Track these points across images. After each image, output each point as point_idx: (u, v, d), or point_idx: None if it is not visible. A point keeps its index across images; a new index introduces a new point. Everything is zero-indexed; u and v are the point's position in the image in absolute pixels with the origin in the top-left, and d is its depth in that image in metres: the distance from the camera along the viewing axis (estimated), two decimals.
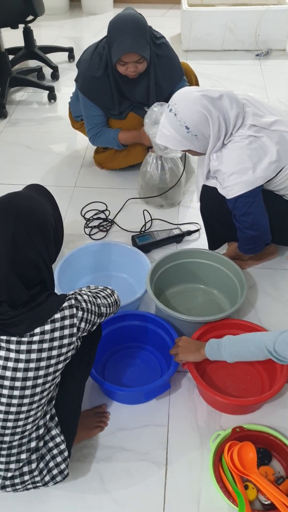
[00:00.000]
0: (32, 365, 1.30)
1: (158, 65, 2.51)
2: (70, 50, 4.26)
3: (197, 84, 2.82)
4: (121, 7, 2.43)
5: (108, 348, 1.98)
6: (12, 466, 1.42)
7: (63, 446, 1.50)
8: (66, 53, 4.27)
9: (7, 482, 1.45)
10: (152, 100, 2.57)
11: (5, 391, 1.31)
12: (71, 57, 4.27)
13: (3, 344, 1.29)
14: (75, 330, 1.35)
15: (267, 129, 1.92)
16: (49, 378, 1.35)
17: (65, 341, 1.34)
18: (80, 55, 2.63)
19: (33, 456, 1.45)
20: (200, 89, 1.91)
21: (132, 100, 2.62)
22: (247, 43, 4.34)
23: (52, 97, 3.73)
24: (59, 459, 1.49)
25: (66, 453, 1.50)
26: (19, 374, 1.30)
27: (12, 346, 1.29)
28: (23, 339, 1.29)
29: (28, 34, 4.00)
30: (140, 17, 2.38)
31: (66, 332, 1.33)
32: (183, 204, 2.77)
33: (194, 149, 1.98)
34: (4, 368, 1.30)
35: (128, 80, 2.51)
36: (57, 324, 1.32)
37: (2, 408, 1.33)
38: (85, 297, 1.43)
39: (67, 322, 1.33)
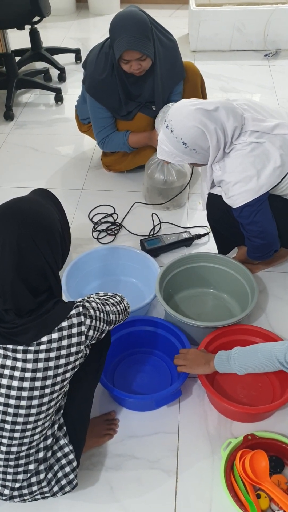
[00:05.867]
0: (39, 374, 1.28)
1: (163, 63, 2.48)
2: (77, 52, 4.25)
3: (203, 85, 2.77)
4: None
5: (117, 353, 1.96)
6: (20, 476, 1.41)
7: (71, 456, 1.47)
8: (73, 55, 4.26)
9: (15, 493, 1.43)
10: (158, 98, 2.55)
11: (12, 401, 1.29)
12: (78, 58, 4.25)
13: (10, 353, 1.27)
14: (83, 338, 1.33)
15: (269, 133, 1.87)
16: (57, 387, 1.33)
17: (73, 349, 1.32)
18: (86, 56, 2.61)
19: (41, 467, 1.43)
20: (194, 102, 1.86)
21: (139, 100, 2.59)
22: (255, 43, 4.31)
23: (59, 98, 3.71)
24: (67, 469, 1.47)
25: (74, 463, 1.48)
26: (26, 384, 1.28)
27: (19, 355, 1.27)
28: (29, 348, 1.27)
29: (34, 36, 4.00)
30: (140, 14, 2.34)
31: (74, 340, 1.31)
32: (191, 206, 2.74)
33: (195, 162, 1.96)
34: (11, 377, 1.28)
35: (134, 80, 2.49)
36: (65, 333, 1.29)
37: (9, 418, 1.31)
38: (94, 304, 1.41)
39: (74, 330, 1.31)
